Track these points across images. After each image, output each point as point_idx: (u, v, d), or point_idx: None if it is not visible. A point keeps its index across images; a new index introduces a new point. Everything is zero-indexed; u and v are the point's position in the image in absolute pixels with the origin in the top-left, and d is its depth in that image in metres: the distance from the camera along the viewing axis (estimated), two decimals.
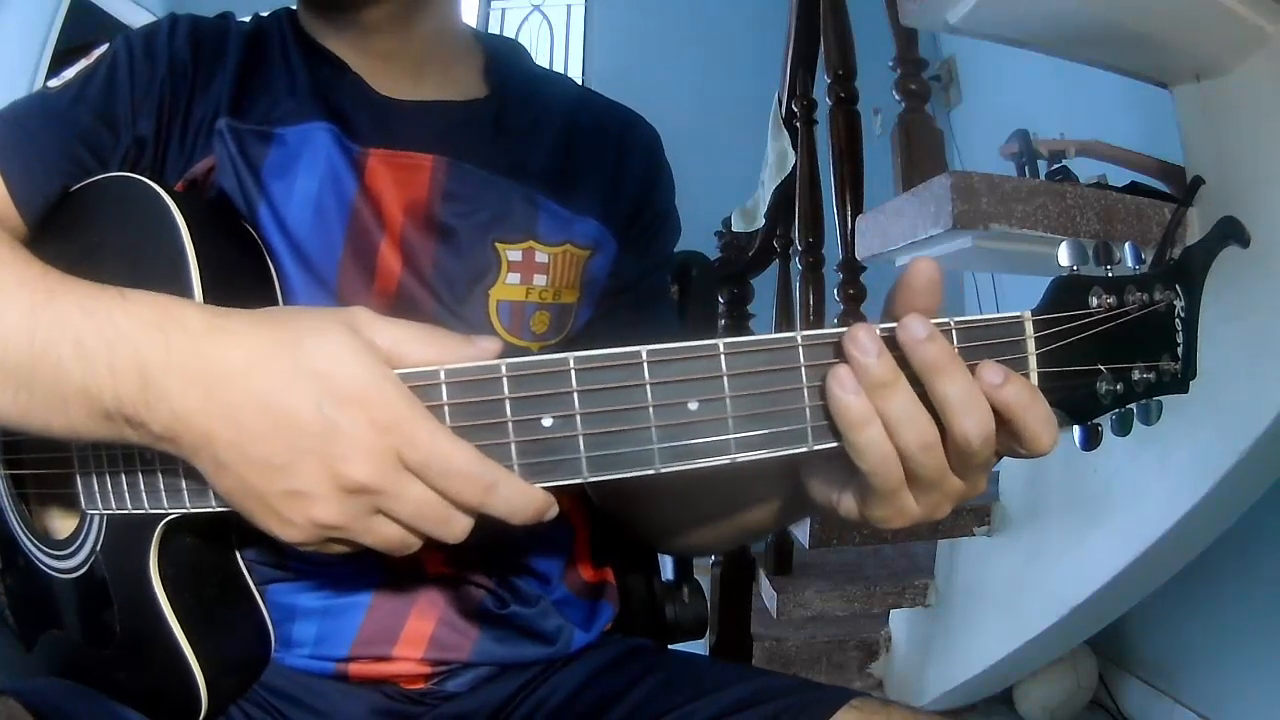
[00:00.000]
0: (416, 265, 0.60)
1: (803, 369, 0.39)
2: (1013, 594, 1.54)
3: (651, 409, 0.39)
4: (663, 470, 0.39)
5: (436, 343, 0.40)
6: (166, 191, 0.51)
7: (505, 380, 0.39)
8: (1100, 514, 1.34)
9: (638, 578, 0.80)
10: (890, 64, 1.59)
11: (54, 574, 0.57)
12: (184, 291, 0.48)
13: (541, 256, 0.62)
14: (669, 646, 0.76)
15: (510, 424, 0.39)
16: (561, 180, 0.64)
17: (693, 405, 0.39)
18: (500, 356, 0.40)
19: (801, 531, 1.49)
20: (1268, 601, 1.49)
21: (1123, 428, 0.43)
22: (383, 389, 0.38)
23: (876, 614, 1.87)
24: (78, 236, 0.56)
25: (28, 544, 0.60)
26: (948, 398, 0.38)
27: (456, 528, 0.40)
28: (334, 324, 0.39)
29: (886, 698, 1.63)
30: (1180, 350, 0.43)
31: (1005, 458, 0.41)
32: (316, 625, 0.59)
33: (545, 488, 0.40)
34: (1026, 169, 1.54)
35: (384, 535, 0.40)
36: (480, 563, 0.62)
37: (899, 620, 1.89)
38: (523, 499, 0.39)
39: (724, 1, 3.59)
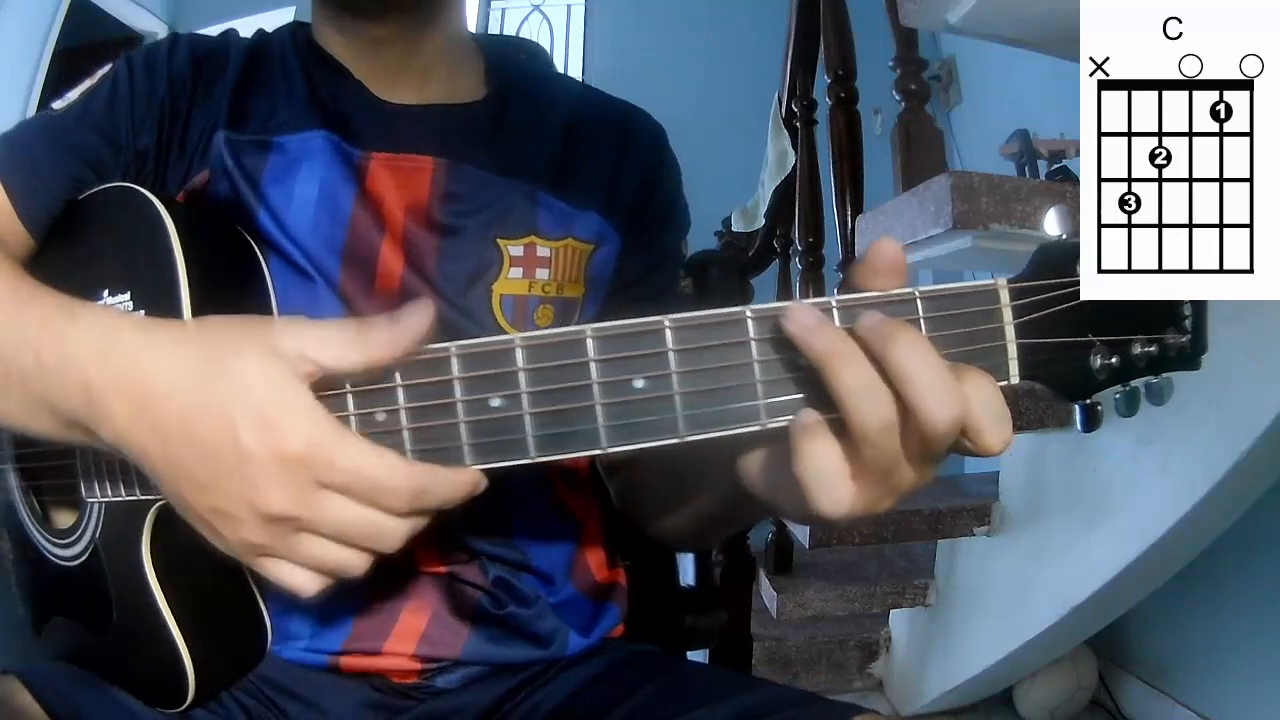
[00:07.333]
0: (418, 263, 0.61)
1: (752, 343, 0.37)
2: (1013, 594, 1.54)
3: (596, 387, 0.38)
4: (610, 450, 0.38)
5: (362, 341, 0.39)
6: (159, 199, 0.52)
7: (454, 360, 0.38)
8: (1100, 514, 1.34)
9: (654, 581, 0.79)
10: (890, 64, 1.59)
11: (58, 561, 0.59)
12: (172, 297, 0.49)
13: (543, 251, 0.63)
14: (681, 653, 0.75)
15: (460, 404, 0.38)
16: (562, 175, 0.64)
17: (639, 383, 0.37)
18: (435, 319, 0.39)
19: (801, 531, 1.49)
20: (1268, 601, 1.49)
21: (1129, 408, 0.38)
22: (293, 417, 0.37)
23: (876, 614, 1.87)
24: (75, 244, 0.57)
25: (36, 533, 0.61)
26: (908, 373, 0.34)
27: (391, 539, 0.39)
28: (254, 344, 0.39)
29: (894, 711, 1.62)
30: (1189, 323, 0.38)
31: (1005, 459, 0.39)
32: (313, 619, 0.60)
33: (499, 467, 0.39)
34: (1026, 169, 1.55)
35: (314, 554, 0.39)
36: (479, 561, 0.62)
37: (899, 620, 1.89)
38: (455, 488, 0.39)
39: (724, 1, 3.59)
